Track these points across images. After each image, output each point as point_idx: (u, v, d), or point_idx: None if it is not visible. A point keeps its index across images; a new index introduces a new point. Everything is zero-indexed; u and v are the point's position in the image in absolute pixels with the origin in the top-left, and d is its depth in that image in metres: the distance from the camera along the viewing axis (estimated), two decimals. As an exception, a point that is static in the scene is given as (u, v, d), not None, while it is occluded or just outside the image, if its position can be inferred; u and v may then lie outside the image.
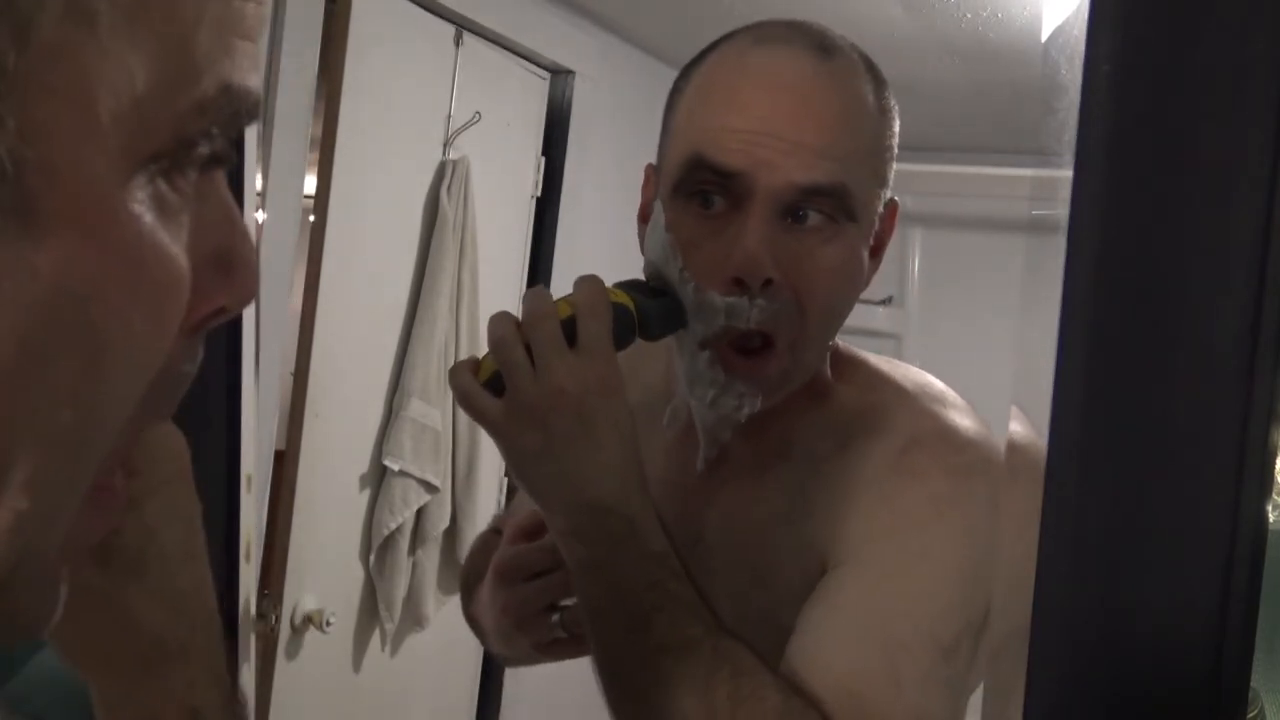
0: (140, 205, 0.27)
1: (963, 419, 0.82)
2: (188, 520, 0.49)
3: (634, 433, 0.73)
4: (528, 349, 0.72)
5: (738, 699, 0.69)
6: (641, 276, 0.82)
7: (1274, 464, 0.44)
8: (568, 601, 0.87)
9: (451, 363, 2.16)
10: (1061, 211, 0.47)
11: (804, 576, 0.78)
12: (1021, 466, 0.60)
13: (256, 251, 0.34)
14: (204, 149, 0.29)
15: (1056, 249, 0.47)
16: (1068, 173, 0.47)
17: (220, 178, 0.32)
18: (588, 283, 0.74)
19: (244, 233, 0.33)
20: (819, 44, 0.78)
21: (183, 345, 0.32)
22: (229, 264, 0.32)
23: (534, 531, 0.87)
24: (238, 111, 0.29)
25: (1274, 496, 0.46)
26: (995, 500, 0.76)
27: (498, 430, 0.73)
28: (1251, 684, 0.45)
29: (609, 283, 0.76)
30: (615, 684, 0.74)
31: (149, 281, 0.27)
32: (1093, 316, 0.46)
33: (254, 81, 0.30)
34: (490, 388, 0.73)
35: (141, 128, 0.26)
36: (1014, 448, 0.65)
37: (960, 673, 0.73)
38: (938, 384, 0.86)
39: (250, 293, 0.33)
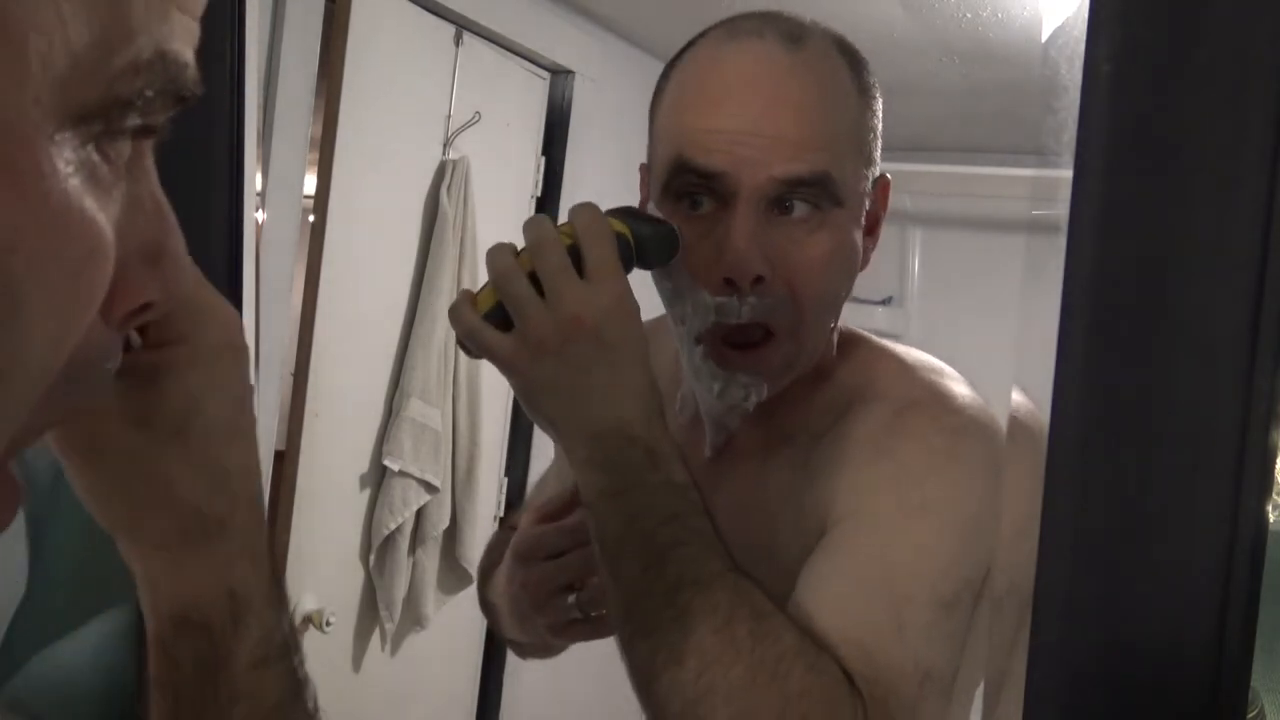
0: (67, 165, 0.27)
1: (960, 387, 0.82)
2: (236, 398, 0.48)
3: (648, 359, 0.72)
4: (531, 279, 0.71)
5: (757, 636, 0.68)
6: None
7: (1274, 464, 0.44)
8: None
9: (451, 363, 2.17)
10: (1061, 211, 0.47)
11: (805, 544, 0.78)
12: (1023, 428, 0.61)
13: (185, 244, 0.34)
14: (135, 118, 0.29)
15: (1056, 249, 0.47)
16: (1068, 173, 0.47)
17: (152, 171, 0.32)
18: (586, 209, 0.73)
19: (175, 228, 0.33)
20: (789, 34, 0.79)
21: (106, 337, 0.32)
22: (158, 257, 0.32)
23: (554, 514, 0.88)
24: (174, 80, 0.29)
25: (1274, 496, 0.46)
26: (990, 460, 0.76)
27: (508, 364, 0.72)
28: (1251, 684, 0.45)
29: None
30: (631, 620, 0.71)
31: (72, 243, 0.27)
32: (1092, 317, 0.46)
33: (189, 56, 0.30)
34: (492, 321, 0.72)
35: (74, 81, 0.26)
36: (1015, 414, 0.66)
37: (960, 627, 0.73)
38: (937, 361, 0.87)
39: (178, 288, 0.33)
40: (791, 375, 0.83)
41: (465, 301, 0.74)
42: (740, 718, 0.67)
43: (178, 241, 0.33)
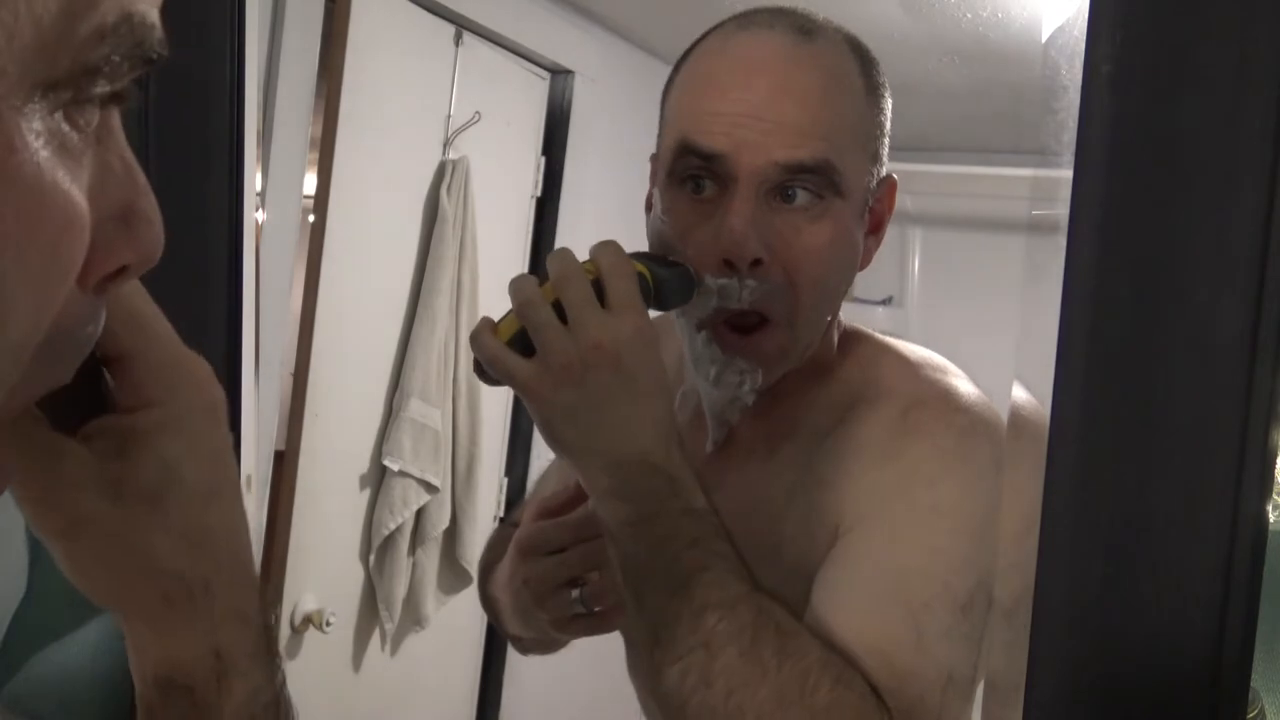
0: (37, 137, 0.26)
1: (965, 385, 0.83)
2: (213, 458, 0.46)
3: (669, 388, 0.73)
4: (554, 308, 0.71)
5: (783, 655, 0.68)
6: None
7: (1274, 464, 0.44)
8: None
9: (451, 363, 2.17)
10: (1061, 211, 0.47)
11: (814, 546, 0.79)
12: (1027, 423, 0.61)
13: (158, 207, 0.34)
14: (103, 85, 0.28)
15: (1056, 249, 0.47)
16: (1068, 173, 0.47)
17: (120, 134, 0.32)
18: (609, 247, 0.74)
19: (146, 189, 0.32)
20: (800, 26, 0.80)
21: (84, 304, 0.32)
22: (132, 220, 0.32)
23: (556, 510, 0.88)
24: (140, 43, 0.29)
25: (1274, 496, 0.46)
26: (998, 459, 0.76)
27: (530, 391, 0.72)
28: (1251, 684, 0.45)
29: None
30: (659, 646, 0.72)
31: (46, 216, 0.27)
32: (1092, 317, 0.46)
33: (154, 17, 0.29)
34: (514, 348, 0.72)
35: (40, 51, 0.26)
36: (1018, 410, 0.66)
37: (977, 628, 0.73)
38: (940, 357, 0.87)
39: (154, 249, 0.33)
40: (787, 365, 0.83)
41: (486, 328, 0.74)
42: None
43: (149, 202, 0.33)
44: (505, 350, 0.73)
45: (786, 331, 0.80)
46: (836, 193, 0.78)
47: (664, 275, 0.77)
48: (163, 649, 0.46)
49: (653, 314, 0.83)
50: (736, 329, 0.80)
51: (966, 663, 0.73)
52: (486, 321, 0.75)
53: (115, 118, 0.31)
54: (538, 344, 0.72)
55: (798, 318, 0.80)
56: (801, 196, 0.78)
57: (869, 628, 0.72)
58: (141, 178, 0.32)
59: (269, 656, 0.49)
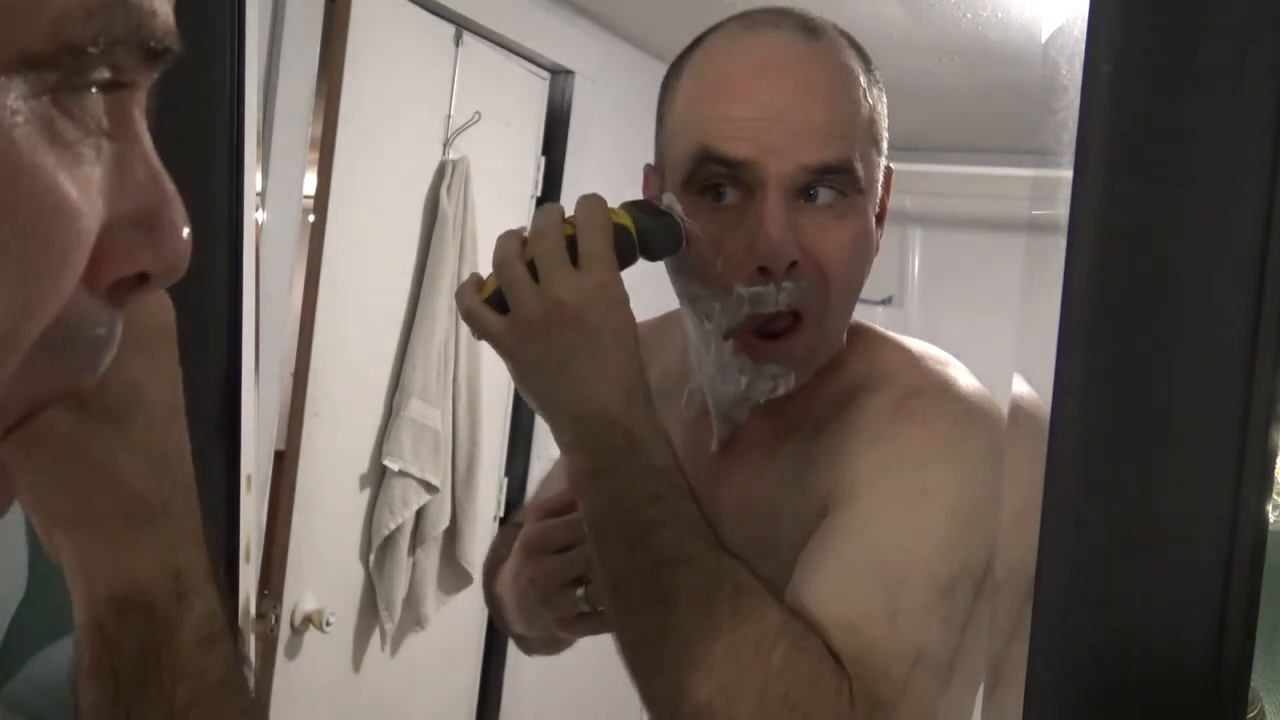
0: (13, 115, 0.25)
1: (965, 377, 0.83)
2: (171, 379, 0.48)
3: (636, 346, 0.74)
4: (531, 266, 0.74)
5: (739, 615, 0.69)
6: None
7: (1274, 464, 0.44)
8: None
9: (451, 363, 2.17)
10: (1061, 211, 0.47)
11: (805, 531, 0.78)
12: (1025, 416, 0.61)
13: (187, 217, 0.32)
14: (101, 70, 0.27)
15: (1056, 249, 0.47)
16: (1068, 173, 0.47)
17: (145, 140, 0.30)
18: (589, 201, 0.76)
19: (174, 197, 0.31)
20: (805, 26, 0.80)
21: (93, 306, 0.30)
22: (155, 227, 0.30)
23: (560, 510, 0.88)
24: (137, 29, 0.27)
25: (1274, 496, 0.46)
26: (993, 449, 0.76)
27: (501, 343, 0.75)
28: (1251, 684, 0.45)
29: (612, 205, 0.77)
30: (617, 599, 0.73)
31: (26, 201, 0.26)
32: (1092, 317, 0.46)
33: (157, 4, 0.28)
34: (493, 305, 0.76)
35: (10, 21, 0.24)
36: (1018, 402, 0.66)
37: (958, 612, 0.73)
38: (943, 352, 0.87)
39: (178, 260, 0.31)
40: (816, 363, 0.83)
41: (470, 285, 0.78)
42: (724, 693, 0.68)
43: (176, 210, 0.31)
44: (481, 306, 0.76)
45: (816, 329, 0.80)
46: (857, 189, 0.78)
47: (650, 225, 0.77)
48: (119, 568, 0.47)
49: (659, 312, 0.83)
50: (764, 335, 0.80)
51: (943, 644, 0.72)
52: (474, 278, 0.78)
53: (136, 117, 0.30)
54: (509, 300, 0.74)
55: (828, 314, 0.80)
56: (825, 195, 0.78)
57: (842, 599, 0.72)
58: (169, 186, 0.31)
59: (220, 581, 0.50)
